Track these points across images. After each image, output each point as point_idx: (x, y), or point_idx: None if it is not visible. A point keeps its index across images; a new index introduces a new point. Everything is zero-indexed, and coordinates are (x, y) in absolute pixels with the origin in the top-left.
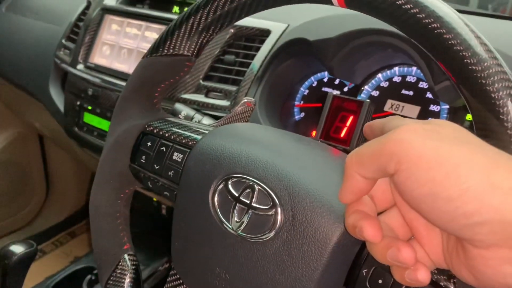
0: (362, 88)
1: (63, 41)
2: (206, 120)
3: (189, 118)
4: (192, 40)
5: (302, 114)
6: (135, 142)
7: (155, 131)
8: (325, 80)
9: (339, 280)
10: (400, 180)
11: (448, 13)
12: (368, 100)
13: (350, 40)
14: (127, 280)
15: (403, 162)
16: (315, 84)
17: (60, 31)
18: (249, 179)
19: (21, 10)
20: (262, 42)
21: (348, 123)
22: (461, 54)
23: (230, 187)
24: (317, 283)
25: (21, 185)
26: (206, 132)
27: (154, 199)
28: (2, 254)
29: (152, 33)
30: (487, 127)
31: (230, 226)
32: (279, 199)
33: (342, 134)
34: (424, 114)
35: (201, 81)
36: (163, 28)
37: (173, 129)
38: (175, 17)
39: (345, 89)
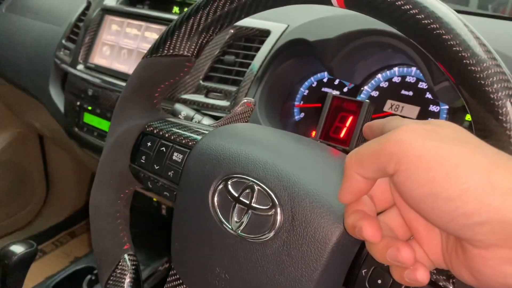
0: (362, 88)
1: (63, 41)
2: (206, 121)
3: (189, 118)
4: (192, 40)
5: (302, 115)
6: (135, 142)
7: (155, 131)
8: (325, 80)
9: (338, 280)
10: (399, 180)
11: (448, 13)
12: (367, 100)
13: (349, 40)
14: (127, 280)
15: (402, 162)
16: (315, 84)
17: (60, 31)
18: (248, 179)
19: (21, 11)
20: (262, 42)
21: (347, 124)
22: (460, 54)
23: (229, 187)
24: (317, 283)
25: (21, 185)
26: (206, 132)
27: (154, 199)
28: (2, 254)
29: (152, 33)
30: (486, 128)
31: (230, 226)
32: (279, 199)
33: (342, 134)
34: (424, 115)
35: (201, 82)
36: (163, 28)
37: (173, 129)
38: (175, 17)
39: (345, 89)
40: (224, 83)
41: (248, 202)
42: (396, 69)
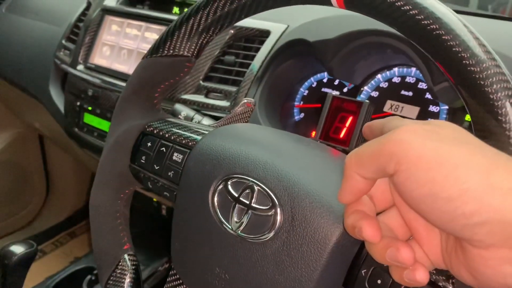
0: (362, 88)
1: (63, 41)
2: (206, 121)
3: (189, 118)
4: (192, 41)
5: (302, 115)
6: (135, 143)
7: (155, 131)
8: (325, 80)
9: (338, 280)
10: (399, 180)
11: (447, 14)
12: (367, 100)
13: (349, 41)
14: (127, 280)
15: (402, 162)
16: (314, 84)
17: (60, 31)
18: (248, 180)
19: (21, 11)
20: (261, 43)
21: (347, 124)
22: (459, 55)
23: (229, 187)
24: (316, 283)
25: (21, 185)
26: (206, 132)
27: (154, 200)
28: (2, 254)
29: (152, 33)
30: (485, 128)
31: (230, 227)
32: (279, 199)
33: (342, 135)
34: (424, 115)
35: (201, 82)
36: (163, 29)
37: (173, 129)
38: (175, 18)
39: (345, 89)
40: (224, 83)
41: (248, 202)
42: (396, 69)
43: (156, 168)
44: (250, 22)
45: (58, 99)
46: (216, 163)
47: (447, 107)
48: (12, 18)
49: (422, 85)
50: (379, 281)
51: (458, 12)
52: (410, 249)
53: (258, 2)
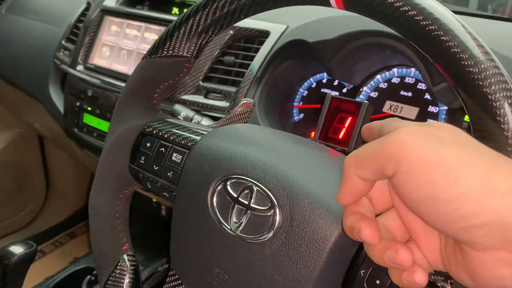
0: (361, 89)
1: (63, 42)
2: (205, 121)
3: (188, 119)
4: (191, 41)
5: (301, 115)
6: (134, 143)
7: (154, 132)
8: (324, 81)
9: (337, 281)
10: (399, 182)
11: (446, 15)
12: (366, 101)
13: (349, 41)
14: (126, 280)
15: (402, 164)
16: (314, 85)
17: (59, 32)
18: (247, 180)
19: (21, 11)
20: (261, 43)
21: (346, 124)
22: (458, 56)
23: (228, 188)
24: (315, 284)
25: (21, 186)
26: (205, 133)
27: (154, 200)
28: (2, 255)
29: (152, 34)
30: (484, 129)
31: (229, 227)
32: (278, 200)
33: (341, 135)
34: (423, 115)
35: (200, 82)
36: (162, 29)
37: (173, 130)
38: (174, 18)
39: (344, 90)
40: (224, 84)
41: (247, 202)
42: (395, 70)
43: (156, 168)
44: (249, 22)
45: (57, 99)
46: (215, 164)
47: (446, 107)
48: (12, 19)
49: (422, 86)
50: (377, 282)
51: (458, 12)
52: (408, 251)
53: (258, 3)
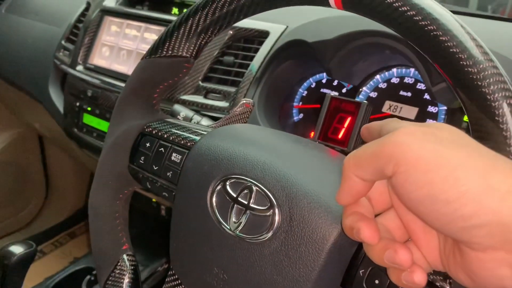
0: (361, 89)
1: (63, 42)
2: (205, 121)
3: (188, 119)
4: (191, 41)
5: (301, 115)
6: (134, 143)
7: (154, 132)
8: (324, 81)
9: (336, 281)
10: (398, 182)
11: (445, 15)
12: (365, 101)
13: (348, 41)
14: (126, 280)
15: (401, 164)
16: (313, 85)
17: (59, 32)
18: (247, 180)
19: (21, 11)
20: (260, 43)
21: (346, 124)
22: (457, 56)
23: (228, 188)
24: (314, 283)
25: (21, 186)
26: (205, 133)
27: (154, 200)
28: (1, 255)
29: (151, 34)
30: (482, 129)
31: (228, 227)
32: (277, 200)
33: (340, 135)
34: (422, 115)
35: (200, 83)
36: (162, 29)
37: (172, 130)
38: (174, 18)
39: (344, 90)
40: (223, 84)
41: (246, 202)
42: (394, 70)
43: (155, 168)
44: (249, 22)
45: (57, 99)
46: (214, 164)
47: (445, 107)
48: (11, 19)
49: (421, 86)
50: (376, 281)
51: (457, 13)
52: (408, 251)
53: (257, 3)
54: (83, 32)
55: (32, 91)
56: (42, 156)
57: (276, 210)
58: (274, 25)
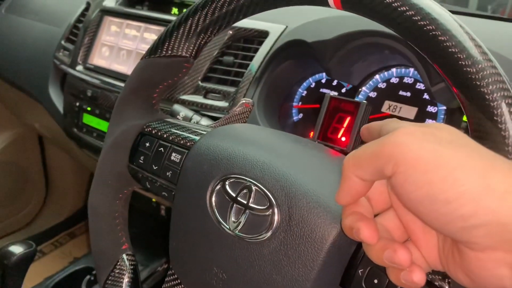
0: (360, 89)
1: (63, 42)
2: (205, 121)
3: (187, 119)
4: (190, 41)
5: (301, 115)
6: (133, 143)
7: (153, 131)
8: (323, 81)
9: (335, 280)
10: (397, 182)
11: (443, 15)
12: (365, 101)
13: (348, 41)
14: (126, 280)
15: (400, 164)
16: (313, 85)
17: (59, 32)
18: (246, 180)
19: (20, 12)
20: (260, 43)
21: (345, 124)
22: (455, 56)
23: (227, 187)
24: (313, 283)
25: (20, 186)
26: (204, 133)
27: (153, 200)
28: (1, 255)
29: (151, 34)
30: (481, 129)
31: (227, 226)
32: (276, 199)
33: (339, 135)
34: (422, 115)
35: (199, 82)
36: (162, 29)
37: (172, 130)
38: (174, 18)
39: (343, 90)
40: (223, 84)
41: (245, 202)
42: (394, 70)
43: (155, 168)
44: (248, 22)
45: (57, 99)
46: (214, 163)
47: (445, 107)
48: (11, 19)
49: (420, 86)
50: (375, 281)
51: (457, 13)
52: (407, 251)
53: (256, 3)
54: (83, 32)
55: (32, 91)
56: (42, 156)
57: (275, 210)
58: (273, 25)
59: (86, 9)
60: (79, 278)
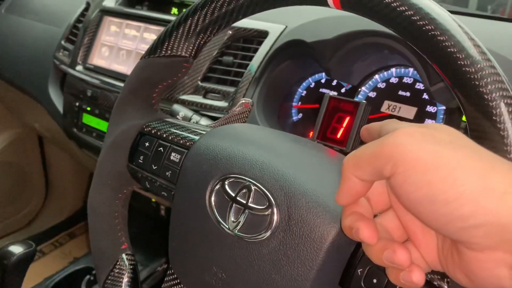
0: (359, 89)
1: (62, 42)
2: (204, 121)
3: (187, 119)
4: (190, 41)
5: (300, 115)
6: (133, 143)
7: (153, 131)
8: (323, 81)
9: (334, 280)
10: (397, 183)
11: (442, 15)
12: (364, 101)
13: (347, 41)
14: (125, 279)
15: (400, 165)
16: (312, 85)
17: (59, 32)
18: (245, 179)
19: (20, 12)
20: (260, 43)
21: (344, 124)
22: (455, 56)
23: (226, 187)
24: (313, 282)
25: (20, 186)
26: (204, 132)
27: (153, 200)
28: (1, 255)
29: (151, 34)
30: (480, 129)
31: (227, 226)
32: (275, 199)
33: (339, 135)
34: (421, 115)
35: (199, 82)
36: (161, 29)
37: (171, 129)
38: (173, 18)
39: (343, 90)
40: (223, 84)
41: (245, 202)
42: (393, 70)
43: (154, 168)
44: (248, 22)
45: (57, 99)
46: (213, 163)
47: (444, 107)
48: (11, 19)
49: (420, 86)
50: (374, 280)
51: (457, 13)
52: (406, 251)
53: (256, 3)
54: (82, 32)
55: (32, 91)
56: (42, 156)
57: (275, 210)
58: (273, 25)
59: (86, 9)
60: (79, 278)
